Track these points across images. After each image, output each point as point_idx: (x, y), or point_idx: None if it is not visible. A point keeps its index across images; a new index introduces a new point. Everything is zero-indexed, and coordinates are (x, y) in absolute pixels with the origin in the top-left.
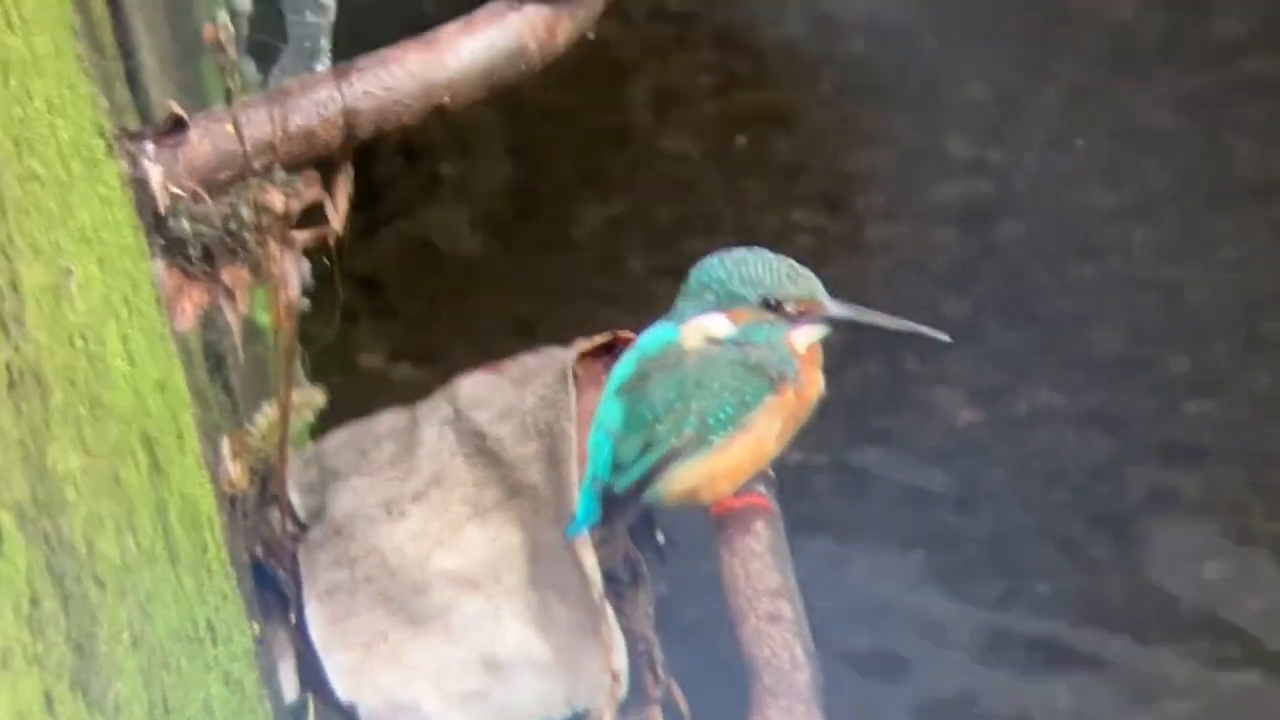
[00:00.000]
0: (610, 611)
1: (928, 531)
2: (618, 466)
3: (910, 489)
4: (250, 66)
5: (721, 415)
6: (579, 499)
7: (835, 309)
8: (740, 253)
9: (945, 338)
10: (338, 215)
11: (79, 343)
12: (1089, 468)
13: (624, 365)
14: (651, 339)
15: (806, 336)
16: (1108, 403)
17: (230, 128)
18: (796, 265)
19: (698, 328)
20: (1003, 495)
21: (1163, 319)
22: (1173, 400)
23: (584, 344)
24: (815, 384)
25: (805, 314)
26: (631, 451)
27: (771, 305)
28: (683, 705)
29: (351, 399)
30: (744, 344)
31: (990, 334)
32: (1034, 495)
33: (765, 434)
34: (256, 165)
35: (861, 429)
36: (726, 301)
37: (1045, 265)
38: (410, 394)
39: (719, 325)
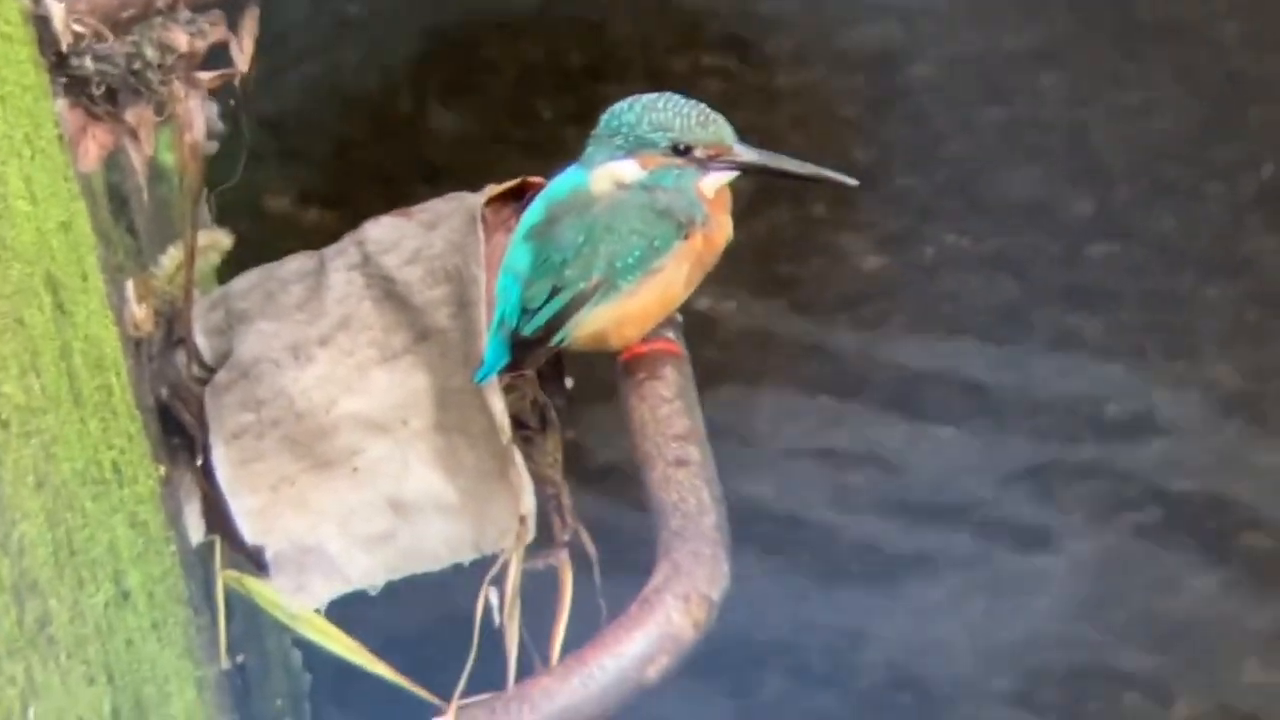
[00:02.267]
0: (518, 456)
1: (834, 377)
2: (525, 310)
3: (817, 335)
4: None
5: (630, 260)
6: (487, 344)
7: (744, 154)
8: (650, 98)
9: (853, 181)
10: (244, 56)
11: None
12: (993, 311)
13: (533, 210)
14: (560, 184)
15: (715, 181)
16: (1012, 246)
17: None
18: (707, 109)
19: (607, 173)
20: (908, 340)
21: (1067, 163)
22: (1077, 244)
23: (493, 189)
24: (724, 229)
25: (715, 159)
26: (539, 295)
27: (681, 150)
28: (590, 549)
29: (258, 242)
30: (653, 189)
31: (897, 179)
32: (939, 339)
33: (673, 279)
34: (160, 4)
35: (769, 275)
36: (636, 146)
37: (951, 109)
38: (318, 238)
39: (628, 170)
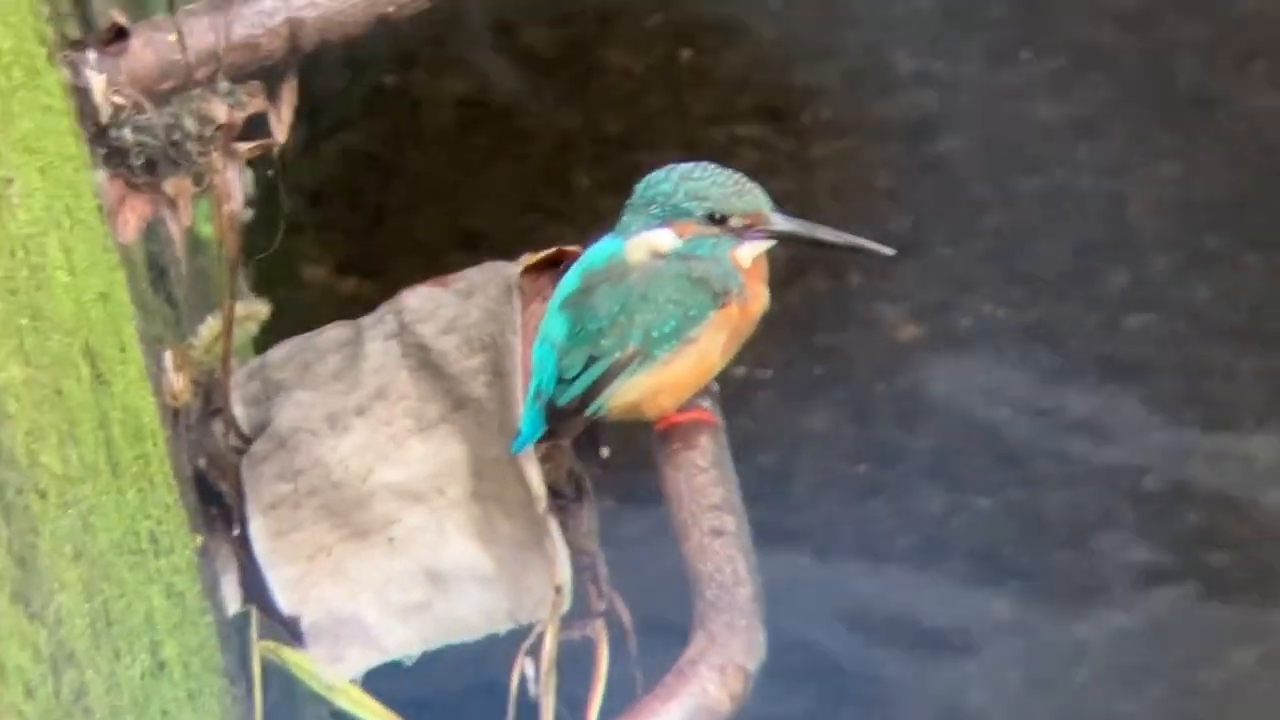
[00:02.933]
0: (554, 525)
1: (871, 446)
2: (562, 380)
3: (853, 404)
4: None
5: (665, 329)
6: (523, 413)
7: (780, 223)
8: (686, 167)
9: (889, 251)
10: (282, 126)
11: (20, 253)
12: (1030, 382)
13: (569, 279)
14: (597, 253)
15: (751, 251)
16: (1049, 317)
17: (173, 37)
18: (743, 179)
19: (643, 242)
20: (944, 410)
21: (1104, 233)
22: (1113, 314)
23: (529, 258)
24: (760, 298)
25: (750, 228)
26: (575, 365)
27: (717, 220)
28: (626, 619)
29: (296, 312)
30: (689, 258)
31: (933, 249)
32: (975, 410)
33: (709, 348)
34: (200, 75)
35: (805, 344)
36: (672, 216)
37: (988, 180)
38: (355, 307)
39: (664, 239)
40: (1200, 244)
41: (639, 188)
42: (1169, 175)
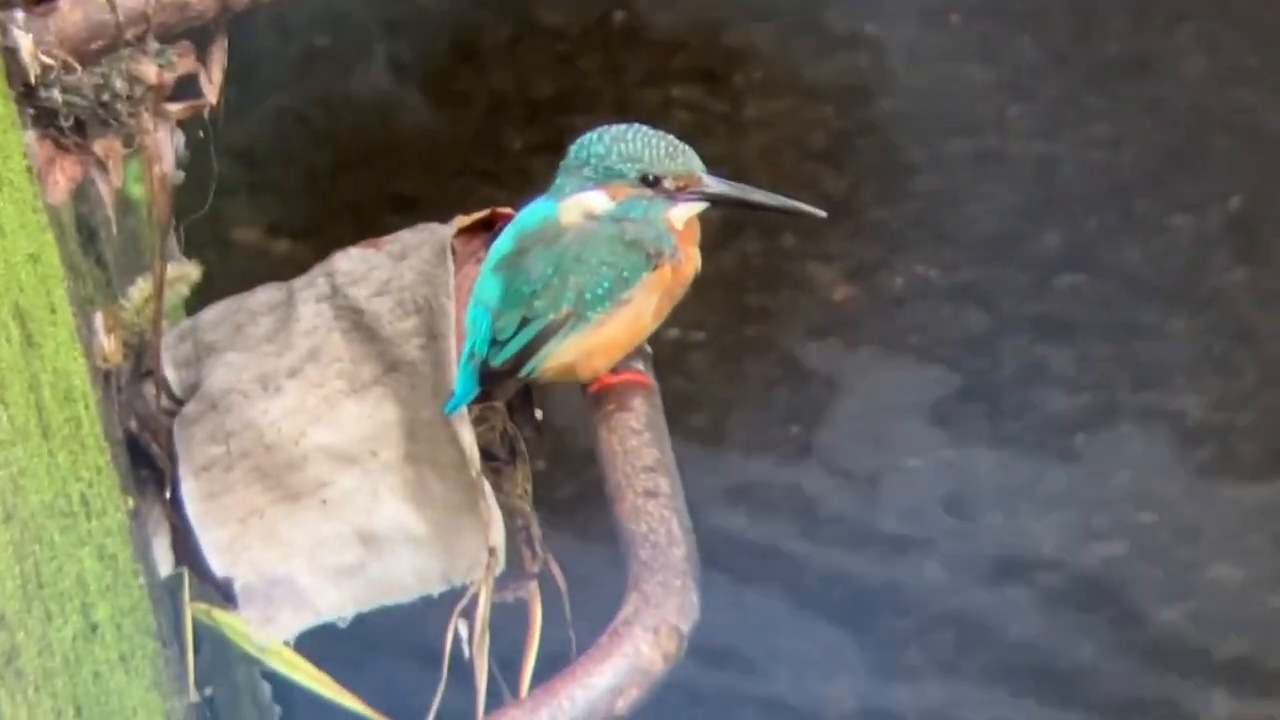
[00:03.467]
0: (488, 487)
1: (804, 407)
2: (495, 342)
3: (786, 366)
4: None
5: (599, 291)
6: (457, 375)
7: (713, 185)
8: (619, 129)
9: (821, 213)
10: (212, 87)
11: None
12: (962, 342)
13: (503, 241)
14: (530, 215)
15: (684, 213)
16: (980, 277)
17: None
18: (675, 141)
19: (576, 204)
20: (876, 371)
21: (1035, 195)
22: (1044, 275)
23: (462, 220)
24: (692, 260)
25: (683, 190)
26: (509, 327)
27: (650, 181)
28: (560, 580)
29: (227, 274)
30: (621, 220)
31: (866, 210)
32: (907, 370)
33: (642, 309)
34: (129, 35)
35: (738, 306)
36: (605, 178)
37: (920, 141)
38: (287, 269)
39: (597, 201)
40: (1130, 206)
41: (572, 150)
42: (1099, 137)
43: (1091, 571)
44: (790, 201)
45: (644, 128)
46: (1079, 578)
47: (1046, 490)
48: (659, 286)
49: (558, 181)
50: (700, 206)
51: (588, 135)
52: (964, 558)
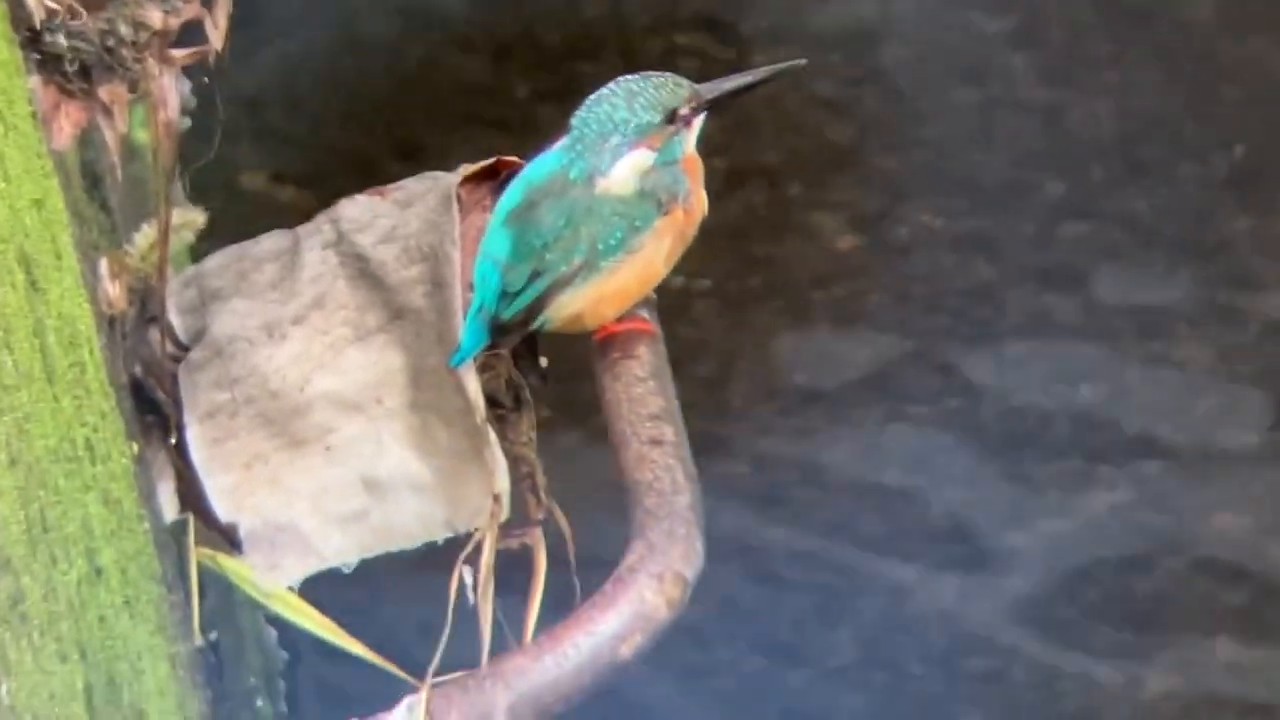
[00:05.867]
0: (493, 435)
1: (809, 355)
2: (505, 295)
3: (791, 314)
4: None
5: (611, 241)
6: (463, 325)
7: (709, 91)
8: (620, 89)
9: (802, 61)
10: (218, 33)
11: None
12: (967, 291)
13: (511, 194)
14: (538, 167)
15: (693, 134)
16: (986, 226)
17: None
18: (663, 74)
19: (629, 170)
20: (881, 319)
21: (1041, 144)
22: (1050, 224)
23: (468, 168)
24: (701, 201)
25: (693, 111)
26: (519, 279)
27: (672, 118)
28: (565, 528)
29: (232, 220)
30: (669, 165)
31: (871, 159)
32: (912, 319)
33: (654, 256)
34: None
35: (743, 255)
36: (638, 134)
37: (926, 90)
38: (292, 216)
39: (645, 158)
40: (1136, 154)
41: (585, 127)
42: (1105, 85)
43: (1096, 516)
44: (773, 67)
45: (637, 76)
46: (1085, 524)
47: (1050, 439)
48: (670, 230)
49: (587, 162)
50: (702, 121)
51: (596, 109)
52: (972, 500)
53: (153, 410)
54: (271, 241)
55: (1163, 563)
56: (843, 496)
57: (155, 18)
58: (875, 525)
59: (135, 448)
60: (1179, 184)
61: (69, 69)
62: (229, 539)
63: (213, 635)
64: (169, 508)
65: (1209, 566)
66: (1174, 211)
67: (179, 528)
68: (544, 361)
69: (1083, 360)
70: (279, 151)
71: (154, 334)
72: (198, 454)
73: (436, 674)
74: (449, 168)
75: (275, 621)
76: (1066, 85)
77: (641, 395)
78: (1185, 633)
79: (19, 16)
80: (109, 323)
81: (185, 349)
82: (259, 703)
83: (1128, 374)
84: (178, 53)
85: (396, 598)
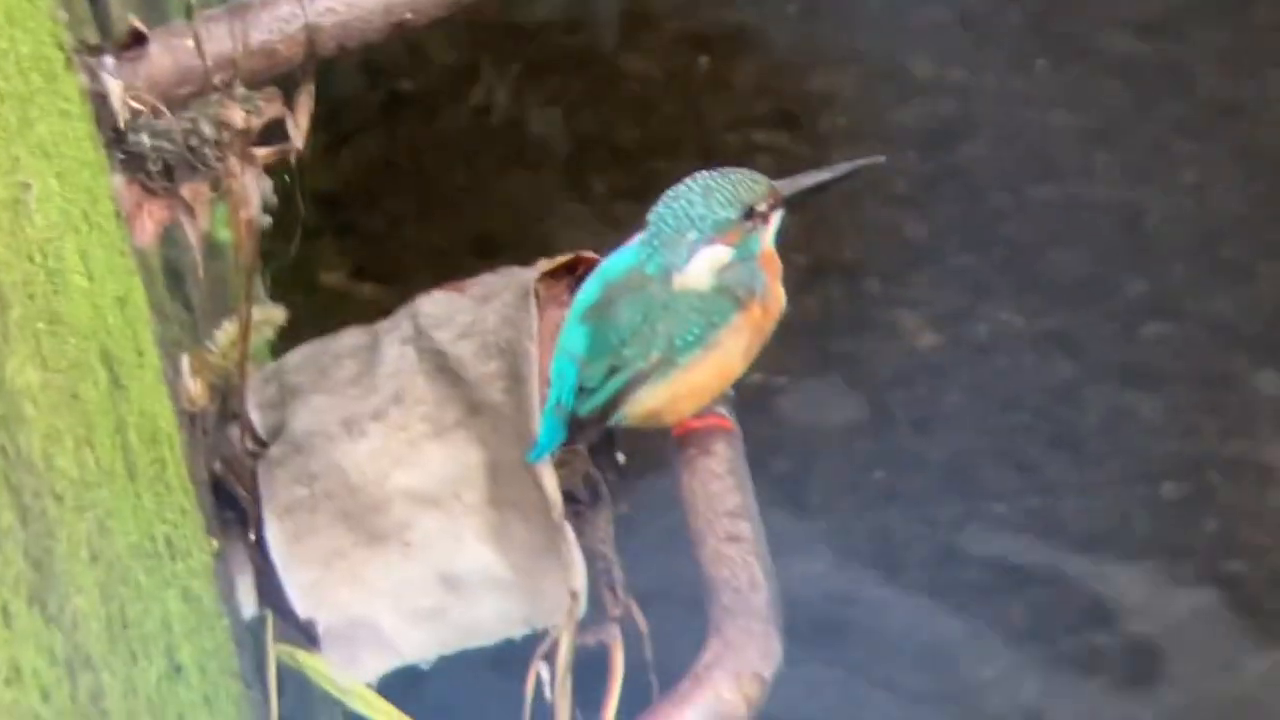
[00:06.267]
0: (570, 531)
1: (887, 453)
2: (582, 390)
3: (870, 411)
4: None
5: (689, 336)
6: (540, 421)
7: (787, 188)
8: (699, 184)
9: (880, 158)
10: (299, 132)
11: (38, 258)
12: (1047, 390)
13: (587, 290)
14: (615, 263)
15: (771, 231)
16: (1067, 325)
17: (191, 42)
18: (744, 170)
19: (705, 265)
20: (961, 417)
21: (1122, 242)
22: (1131, 323)
23: (546, 263)
24: (779, 298)
25: (772, 208)
26: (596, 376)
27: (749, 214)
28: (642, 624)
29: (312, 317)
30: (745, 260)
31: (950, 256)
32: (992, 417)
33: (732, 351)
34: (217, 81)
35: (822, 351)
36: (716, 230)
37: (1005, 187)
38: (371, 312)
39: (721, 254)
40: (1217, 253)
41: (664, 220)
42: (1186, 184)
43: (1177, 619)
44: (852, 162)
45: (712, 172)
46: (1168, 628)
47: (1134, 538)
48: (748, 326)
49: (663, 257)
50: (780, 218)
51: (673, 204)
52: (1049, 602)
53: (232, 506)
54: (351, 338)
55: (1248, 665)
56: (920, 597)
57: (238, 117)
58: (954, 623)
59: (215, 544)
60: (1261, 283)
61: (152, 168)
62: (307, 635)
63: None
64: (248, 604)
65: None
66: (1256, 311)
67: (258, 624)
68: (621, 457)
69: (1165, 459)
70: (358, 248)
71: (234, 430)
72: (277, 550)
73: None
74: (527, 263)
75: (353, 718)
76: (1147, 184)
77: (719, 492)
78: None
79: (103, 116)
80: (190, 419)
81: (265, 445)
82: None
83: (1209, 475)
84: (259, 151)
85: (474, 696)
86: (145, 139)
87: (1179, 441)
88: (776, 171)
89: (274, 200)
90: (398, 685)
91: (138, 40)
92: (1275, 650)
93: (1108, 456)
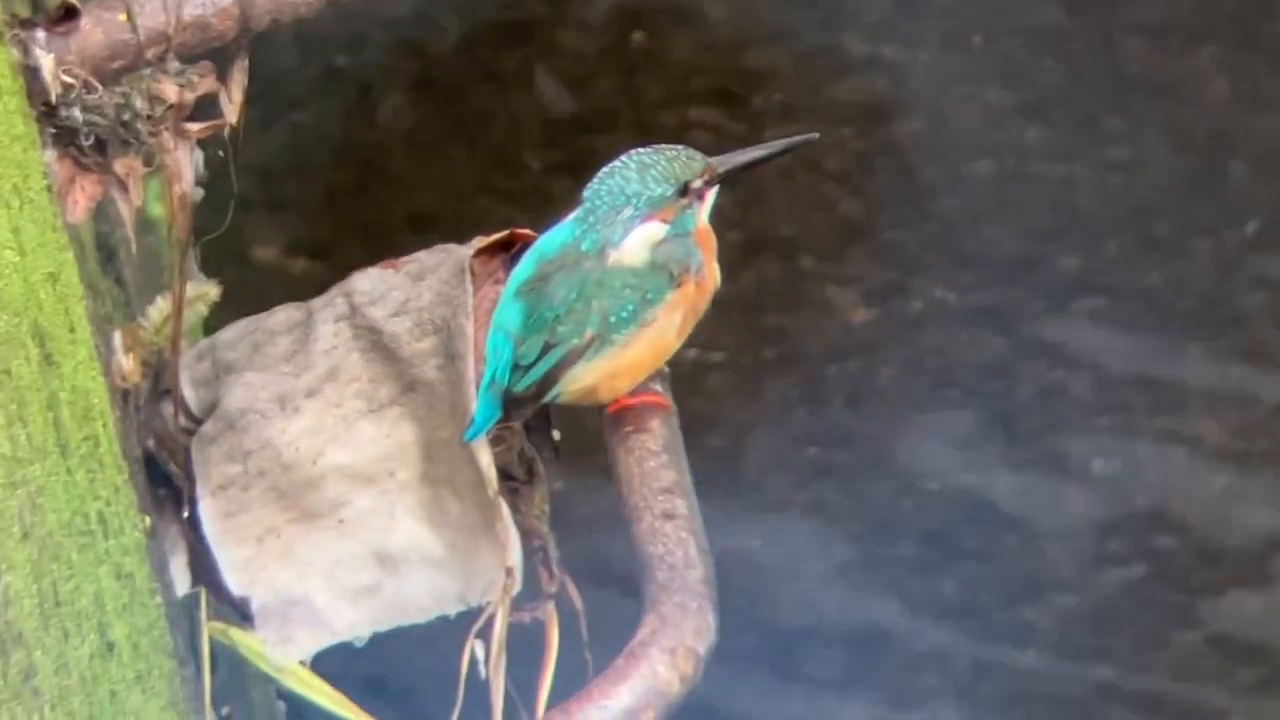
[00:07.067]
0: (505, 508)
1: (821, 429)
2: (517, 367)
3: (804, 387)
4: None
5: (623, 314)
6: (476, 399)
7: (721, 164)
8: (633, 161)
9: (815, 135)
10: (233, 106)
11: None
12: (980, 365)
13: (523, 267)
14: (550, 240)
15: (706, 207)
16: (999, 301)
17: (123, 16)
18: (678, 147)
19: (639, 243)
20: (894, 393)
21: (1054, 218)
22: (1063, 299)
23: (481, 240)
24: (713, 274)
25: (707, 184)
26: (532, 352)
27: (685, 191)
28: (577, 601)
29: (245, 292)
30: (680, 237)
31: (884, 232)
32: (925, 393)
33: (666, 329)
34: (150, 55)
35: (757, 328)
36: (651, 207)
37: (939, 163)
38: (305, 288)
39: (656, 230)
40: (1149, 229)
41: (597, 199)
42: (1118, 160)
43: (1107, 594)
44: (787, 140)
45: (647, 149)
46: (1095, 600)
47: (1063, 514)
48: (683, 303)
49: (598, 234)
50: (714, 193)
51: (608, 181)
52: (983, 577)
53: (166, 484)
54: (285, 314)
55: (1179, 640)
56: (854, 572)
57: (170, 92)
58: (887, 598)
59: (148, 521)
60: (1192, 259)
61: (84, 143)
62: (241, 613)
63: (225, 710)
64: (181, 581)
65: (1224, 643)
66: (1187, 286)
67: (191, 602)
68: (557, 435)
69: (1095, 434)
70: (292, 224)
71: (167, 407)
72: (210, 528)
73: None
74: (462, 240)
75: (287, 696)
76: (1079, 159)
77: (654, 469)
78: None
79: (35, 90)
80: (122, 396)
81: (198, 422)
82: None
83: (1140, 448)
84: (193, 126)
85: (408, 672)
86: (78, 113)
87: (1110, 417)
88: (712, 148)
89: (207, 175)
90: (332, 662)
91: (69, 14)
92: (1203, 625)
93: (1039, 432)
